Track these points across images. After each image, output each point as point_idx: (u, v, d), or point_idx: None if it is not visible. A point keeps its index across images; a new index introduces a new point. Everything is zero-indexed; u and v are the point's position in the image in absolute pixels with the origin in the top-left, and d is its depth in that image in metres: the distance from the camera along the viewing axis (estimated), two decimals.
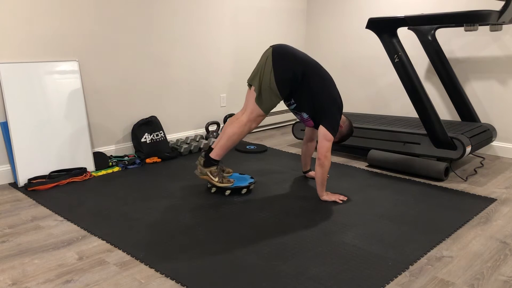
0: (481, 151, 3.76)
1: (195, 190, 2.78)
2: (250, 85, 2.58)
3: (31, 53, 2.92)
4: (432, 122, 3.02)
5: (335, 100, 2.53)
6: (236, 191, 2.71)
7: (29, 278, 1.77)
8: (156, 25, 3.57)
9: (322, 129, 2.50)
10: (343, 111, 4.57)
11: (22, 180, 2.83)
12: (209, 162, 2.62)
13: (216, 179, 2.62)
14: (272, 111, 2.81)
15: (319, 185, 2.57)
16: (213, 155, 2.60)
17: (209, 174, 2.62)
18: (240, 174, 2.91)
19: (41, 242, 2.08)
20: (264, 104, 2.52)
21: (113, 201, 2.58)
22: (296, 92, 2.54)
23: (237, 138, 2.56)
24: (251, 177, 2.84)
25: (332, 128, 2.50)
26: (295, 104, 2.60)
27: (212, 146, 2.64)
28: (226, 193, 2.69)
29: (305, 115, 2.62)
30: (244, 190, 2.70)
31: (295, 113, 2.69)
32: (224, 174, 2.72)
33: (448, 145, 3.00)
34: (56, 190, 2.77)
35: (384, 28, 3.08)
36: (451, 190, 2.80)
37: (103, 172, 3.13)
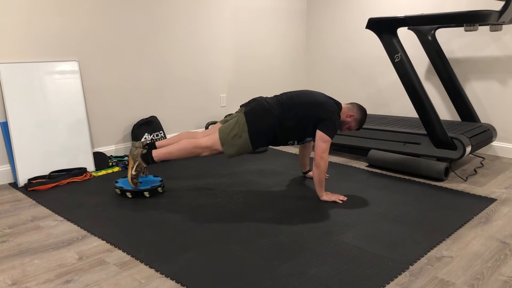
0: (481, 151, 3.76)
1: (195, 190, 2.78)
2: (225, 118, 2.60)
3: (31, 53, 2.92)
4: (432, 122, 3.02)
5: (324, 105, 2.54)
6: (138, 193, 2.64)
7: (29, 278, 1.77)
8: (156, 25, 3.57)
9: (318, 132, 2.52)
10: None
11: (22, 180, 2.83)
12: (147, 158, 2.56)
13: (134, 173, 2.56)
14: None
15: (318, 185, 2.57)
16: (154, 154, 2.56)
17: (135, 164, 2.56)
18: (154, 176, 2.86)
19: (41, 242, 2.08)
20: (229, 146, 2.50)
21: (113, 201, 2.58)
22: (287, 134, 2.55)
23: (185, 154, 2.53)
24: (161, 180, 2.75)
25: (328, 130, 2.51)
26: (295, 141, 2.63)
27: (158, 145, 2.60)
28: (128, 195, 2.63)
29: (308, 139, 2.66)
30: (146, 193, 2.64)
31: (300, 144, 2.73)
32: (141, 174, 2.65)
33: (448, 145, 3.00)
34: (56, 190, 2.77)
35: (384, 28, 3.08)
36: (451, 190, 2.80)
37: (103, 172, 3.13)
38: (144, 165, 2.59)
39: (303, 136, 2.60)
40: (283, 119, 2.51)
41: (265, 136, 2.52)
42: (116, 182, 2.71)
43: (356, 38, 4.47)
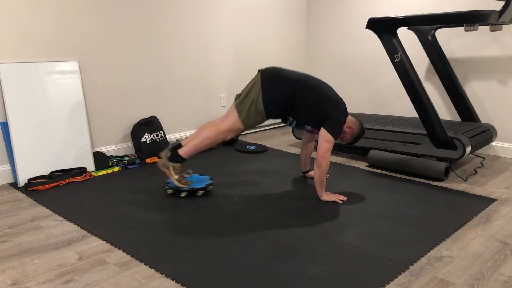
0: (481, 151, 3.76)
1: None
2: (237, 97, 2.60)
3: (31, 53, 2.92)
4: (432, 122, 3.02)
5: (336, 102, 2.54)
6: (192, 193, 2.67)
7: (29, 278, 1.77)
8: (156, 25, 3.57)
9: (322, 131, 2.51)
10: None
11: (22, 180, 2.83)
12: (176, 158, 2.58)
13: (176, 177, 2.59)
14: None
15: (318, 185, 2.57)
16: (181, 152, 2.57)
17: (171, 169, 2.58)
18: (200, 175, 2.87)
19: (41, 242, 2.08)
20: (247, 119, 2.52)
21: (113, 201, 2.58)
22: (292, 110, 2.54)
23: (210, 143, 2.55)
24: (210, 178, 2.79)
25: (333, 130, 2.50)
26: (294, 121, 2.61)
27: (183, 144, 2.62)
28: (182, 195, 2.64)
29: (308, 127, 2.63)
30: (200, 192, 2.66)
31: (297, 129, 2.70)
32: (184, 174, 2.69)
33: (448, 145, 3.00)
34: (56, 190, 2.77)
35: (384, 28, 3.08)
36: (451, 190, 2.80)
37: (103, 172, 3.13)
38: (178, 165, 2.59)
39: (305, 121, 2.58)
40: (298, 93, 2.50)
41: (279, 104, 2.50)
42: (168, 182, 2.72)
43: (356, 38, 4.47)
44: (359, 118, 3.83)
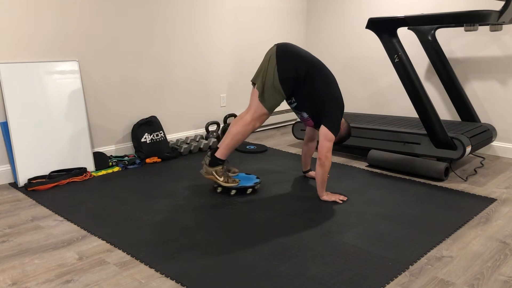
0: (481, 151, 3.76)
1: (195, 190, 2.78)
2: (254, 84, 2.59)
3: (31, 53, 2.92)
4: (432, 122, 3.02)
5: (338, 101, 2.53)
6: (241, 191, 2.72)
7: (29, 278, 1.77)
8: (156, 25, 3.57)
9: (323, 129, 2.50)
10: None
11: (22, 180, 2.83)
12: (215, 162, 2.61)
13: (222, 179, 2.62)
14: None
15: (319, 185, 2.57)
16: (218, 154, 2.61)
17: (214, 173, 2.62)
18: (246, 174, 2.91)
19: (41, 242, 2.08)
20: (268, 102, 2.52)
21: (113, 201, 2.58)
22: (297, 91, 2.54)
23: (241, 137, 2.57)
24: (257, 177, 2.84)
25: (334, 128, 2.50)
26: (295, 103, 2.60)
27: (218, 146, 2.64)
28: (232, 193, 2.69)
29: (305, 115, 2.62)
30: (249, 190, 2.71)
31: (296, 112, 2.70)
32: (230, 174, 2.71)
33: (448, 145, 3.00)
34: (56, 190, 2.77)
35: (384, 28, 3.08)
36: (451, 190, 2.80)
37: (103, 172, 3.13)
38: (219, 168, 2.62)
39: (304, 107, 2.58)
40: (308, 76, 2.49)
41: (293, 80, 2.49)
42: (216, 186, 2.76)
43: (356, 38, 4.47)
44: (359, 118, 3.83)
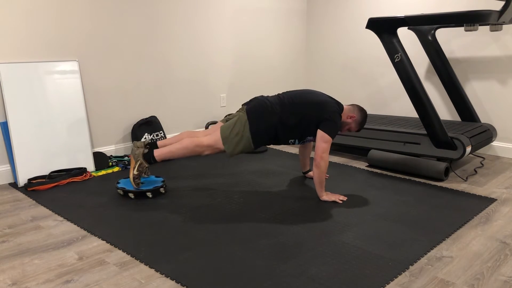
0: (481, 151, 3.76)
1: (195, 190, 2.78)
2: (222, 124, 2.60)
3: (31, 53, 2.92)
4: (432, 122, 3.02)
5: (325, 105, 2.54)
6: (141, 194, 2.64)
7: (29, 278, 1.77)
8: (156, 25, 3.57)
9: (319, 132, 2.52)
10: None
11: (22, 180, 2.83)
12: (148, 158, 2.56)
13: (136, 173, 2.55)
14: None
15: (318, 185, 2.57)
16: (156, 153, 2.55)
17: (137, 164, 2.55)
18: (156, 177, 2.84)
19: (41, 242, 2.08)
20: (230, 146, 2.50)
21: (113, 201, 2.58)
22: (288, 133, 2.55)
23: (186, 153, 2.53)
24: (163, 181, 2.75)
25: (329, 130, 2.51)
26: (296, 140, 2.62)
27: (159, 145, 2.60)
28: (130, 195, 2.63)
29: (309, 138, 2.64)
30: (149, 194, 2.63)
31: (302, 144, 2.71)
32: (142, 174, 2.65)
33: (448, 145, 3.00)
34: (56, 190, 2.77)
35: (384, 28, 3.08)
36: (451, 190, 2.80)
37: (103, 172, 3.13)
38: (146, 165, 2.58)
39: (304, 135, 2.60)
40: (284, 118, 2.51)
41: (267, 134, 2.52)
42: (118, 182, 2.71)
43: (356, 38, 4.47)
44: None
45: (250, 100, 2.62)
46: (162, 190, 2.69)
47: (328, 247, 2.01)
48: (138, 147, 2.58)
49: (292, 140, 2.61)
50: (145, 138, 3.44)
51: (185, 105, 3.93)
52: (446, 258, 1.94)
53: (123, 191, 2.64)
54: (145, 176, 2.71)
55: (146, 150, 2.57)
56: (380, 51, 4.29)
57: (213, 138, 2.52)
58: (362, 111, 2.68)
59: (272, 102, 2.55)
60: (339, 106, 2.61)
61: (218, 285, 1.71)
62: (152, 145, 2.61)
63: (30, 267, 1.85)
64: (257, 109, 2.53)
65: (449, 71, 3.50)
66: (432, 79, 3.96)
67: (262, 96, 2.63)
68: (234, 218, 2.34)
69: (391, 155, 3.18)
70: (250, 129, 2.48)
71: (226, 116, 2.59)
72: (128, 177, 2.69)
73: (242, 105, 2.61)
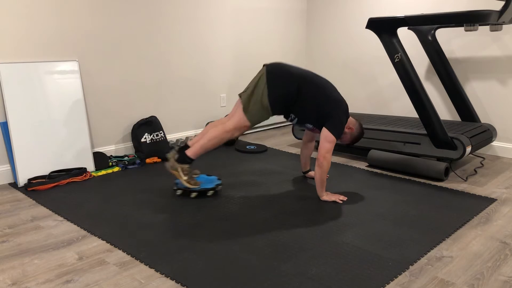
0: (481, 151, 3.76)
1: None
2: (240, 96, 2.59)
3: (31, 53, 2.92)
4: (432, 122, 3.02)
5: (339, 103, 2.54)
6: (202, 193, 2.67)
7: (29, 278, 1.77)
8: (156, 25, 3.57)
9: (324, 131, 2.50)
10: None
11: (22, 180, 2.83)
12: (184, 159, 2.57)
13: (185, 178, 2.58)
14: None
15: (319, 185, 2.57)
16: (189, 153, 2.56)
17: (179, 170, 2.58)
18: (207, 175, 2.88)
19: (41, 242, 2.08)
20: (253, 116, 2.52)
21: (113, 201, 2.58)
22: (294, 107, 2.54)
23: (218, 142, 2.55)
24: (218, 179, 2.81)
25: (335, 130, 2.49)
26: (296, 119, 2.61)
27: (189, 144, 2.62)
28: (192, 195, 2.64)
29: (309, 126, 2.63)
30: (210, 192, 2.66)
31: (298, 126, 2.69)
32: (192, 175, 2.68)
33: (448, 145, 3.00)
34: (56, 190, 2.77)
35: (384, 28, 3.08)
36: (451, 190, 2.80)
37: (103, 172, 3.13)
38: (186, 166, 2.59)
39: (307, 119, 2.57)
40: (302, 91, 2.49)
41: (284, 101, 2.50)
42: (176, 183, 2.71)
43: (356, 38, 4.47)
44: (359, 118, 3.83)
45: (272, 62, 2.59)
46: (219, 188, 2.73)
47: (328, 247, 2.01)
48: (170, 158, 2.61)
49: (293, 116, 2.59)
50: (145, 138, 3.44)
51: (185, 105, 3.93)
52: (446, 258, 1.94)
53: (184, 191, 2.66)
54: (196, 175, 2.74)
55: (177, 155, 2.58)
56: (380, 51, 4.29)
57: (236, 118, 2.54)
58: (361, 128, 2.70)
59: (294, 70, 2.54)
60: (347, 111, 2.60)
61: (218, 285, 1.71)
62: (184, 147, 2.61)
63: (30, 267, 1.85)
64: (278, 71, 2.51)
65: (449, 71, 3.50)
66: (432, 79, 3.96)
67: (284, 63, 2.62)
68: (234, 218, 2.34)
69: (391, 155, 3.18)
70: (268, 95, 2.46)
71: (240, 93, 2.59)
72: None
73: (263, 65, 2.58)
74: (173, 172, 2.60)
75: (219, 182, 2.75)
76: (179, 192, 2.68)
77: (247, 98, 2.52)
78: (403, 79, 3.07)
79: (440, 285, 1.73)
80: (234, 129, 2.54)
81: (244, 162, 3.43)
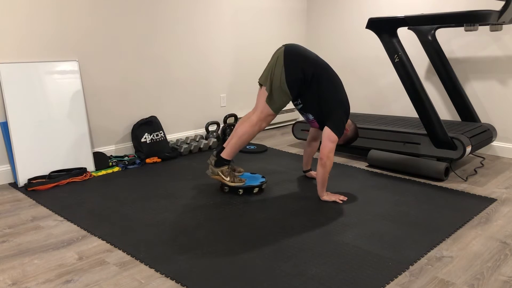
0: (481, 151, 3.76)
1: (195, 190, 2.78)
2: (261, 85, 2.60)
3: (31, 53, 2.92)
4: (432, 122, 3.02)
5: (343, 104, 2.54)
6: (248, 190, 2.72)
7: (29, 278, 1.77)
8: (156, 25, 3.57)
9: (327, 130, 2.50)
10: None
11: (22, 180, 2.83)
12: (221, 162, 2.62)
13: (228, 179, 2.64)
14: None
15: (320, 185, 2.57)
16: (224, 154, 2.61)
17: (220, 174, 2.63)
18: (251, 173, 2.92)
19: (41, 242, 2.08)
20: (275, 103, 2.53)
21: (113, 201, 2.58)
22: (304, 93, 2.55)
23: (248, 137, 2.58)
24: (263, 176, 2.85)
25: (337, 129, 2.50)
26: (301, 105, 2.61)
27: (225, 145, 2.65)
28: (240, 192, 2.70)
29: (310, 116, 2.63)
30: (256, 189, 2.71)
31: (301, 113, 2.70)
32: (235, 174, 2.73)
33: (448, 145, 3.00)
34: (56, 190, 2.77)
35: (384, 28, 3.08)
36: (451, 190, 2.80)
37: (103, 172, 3.13)
38: (225, 168, 2.63)
39: (310, 109, 2.58)
40: (315, 77, 2.49)
41: (300, 82, 2.49)
42: (225, 186, 2.75)
43: (356, 38, 4.47)
44: (359, 118, 3.83)
45: (290, 44, 2.58)
46: (264, 186, 2.77)
47: (328, 247, 2.01)
48: (210, 164, 2.66)
49: (300, 101, 2.60)
50: (145, 138, 3.44)
51: (185, 105, 3.93)
52: (446, 258, 1.94)
53: (230, 188, 2.71)
54: (240, 173, 2.77)
55: (214, 160, 2.63)
56: (380, 51, 4.29)
57: (259, 110, 2.56)
58: (356, 131, 2.72)
59: (311, 54, 2.54)
60: (348, 112, 2.61)
61: (218, 285, 1.71)
62: (219, 151, 2.64)
63: (30, 267, 1.85)
64: (296, 52, 2.50)
65: (449, 71, 3.50)
66: (432, 79, 3.96)
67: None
68: (234, 218, 2.34)
69: (391, 155, 3.18)
70: (286, 78, 2.46)
71: (259, 80, 2.59)
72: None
73: (282, 45, 2.57)
74: (215, 177, 2.65)
75: (263, 179, 2.79)
76: (226, 189, 2.74)
77: (269, 86, 2.52)
78: (403, 79, 3.07)
79: (440, 285, 1.73)
80: (259, 120, 2.56)
81: (244, 162, 3.43)
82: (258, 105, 2.57)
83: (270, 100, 2.52)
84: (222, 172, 2.63)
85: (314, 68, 2.49)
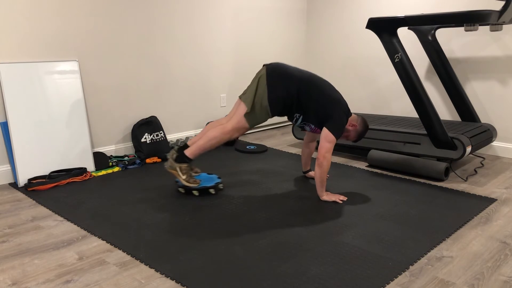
0: (481, 151, 3.76)
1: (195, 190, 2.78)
2: (241, 98, 2.60)
3: (31, 53, 2.92)
4: (432, 122, 3.02)
5: (339, 102, 2.54)
6: (203, 191, 2.68)
7: (29, 278, 1.77)
8: (156, 25, 3.57)
9: (325, 131, 2.50)
10: None
11: (22, 180, 2.83)
12: (182, 159, 2.59)
13: (184, 177, 2.60)
14: None
15: (319, 185, 2.57)
16: (188, 152, 2.59)
17: (178, 169, 2.60)
18: (208, 174, 2.90)
19: (41, 242, 2.08)
20: (254, 119, 2.54)
21: (113, 201, 2.58)
22: (297, 108, 2.55)
23: (216, 143, 2.56)
24: (218, 177, 2.83)
25: (336, 130, 2.50)
26: (300, 117, 2.61)
27: (189, 143, 2.63)
28: (195, 194, 2.66)
29: (312, 126, 2.63)
30: (212, 190, 2.68)
31: (302, 128, 2.70)
32: (192, 173, 2.71)
33: (448, 145, 3.00)
34: (56, 190, 2.77)
35: (384, 28, 3.08)
36: (451, 190, 2.80)
37: (103, 172, 3.13)
38: (184, 165, 2.61)
39: (309, 119, 2.58)
40: (301, 92, 2.51)
41: (283, 103, 2.51)
42: (177, 181, 2.73)
43: (356, 38, 4.47)
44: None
45: (272, 63, 2.60)
46: (220, 186, 2.75)
47: (328, 247, 2.01)
48: (169, 157, 2.63)
49: (297, 115, 2.60)
50: (145, 138, 3.44)
51: (185, 105, 3.93)
52: (446, 258, 1.94)
53: (186, 190, 2.68)
54: (196, 174, 2.76)
55: (176, 154, 2.61)
56: (380, 51, 4.29)
57: (235, 120, 2.55)
58: (365, 124, 2.68)
59: (293, 71, 2.55)
60: (347, 109, 2.61)
61: (218, 285, 1.71)
62: (183, 147, 2.63)
63: (30, 267, 1.85)
64: (278, 72, 2.52)
65: (449, 71, 3.50)
66: (432, 79, 3.96)
67: (282, 63, 2.63)
68: (234, 218, 2.34)
69: (391, 155, 3.18)
70: (268, 97, 2.48)
71: (244, 93, 2.61)
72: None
73: (263, 65, 2.59)
74: (171, 171, 2.62)
75: (219, 180, 2.76)
76: (182, 190, 2.69)
77: (247, 99, 2.53)
78: (403, 79, 3.07)
79: (440, 285, 1.73)
80: (233, 130, 2.55)
81: (244, 162, 3.43)
82: (235, 116, 2.56)
83: (249, 115, 2.52)
84: (180, 168, 2.60)
85: (298, 84, 2.51)
